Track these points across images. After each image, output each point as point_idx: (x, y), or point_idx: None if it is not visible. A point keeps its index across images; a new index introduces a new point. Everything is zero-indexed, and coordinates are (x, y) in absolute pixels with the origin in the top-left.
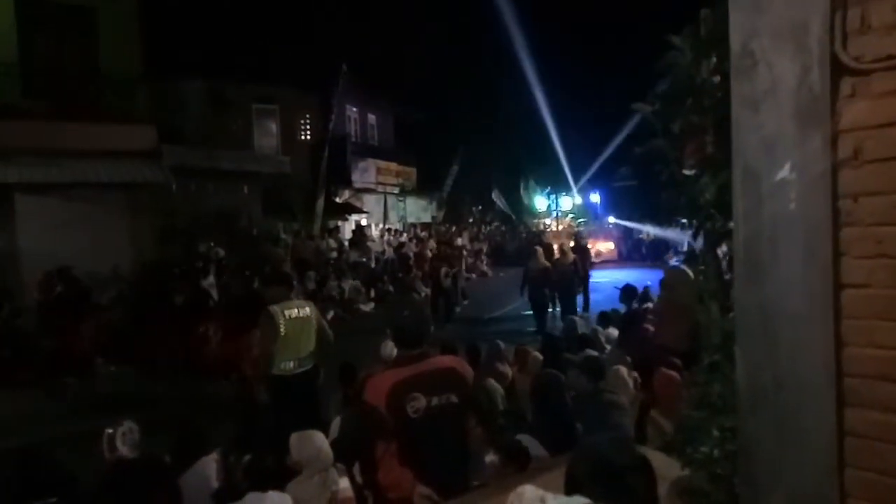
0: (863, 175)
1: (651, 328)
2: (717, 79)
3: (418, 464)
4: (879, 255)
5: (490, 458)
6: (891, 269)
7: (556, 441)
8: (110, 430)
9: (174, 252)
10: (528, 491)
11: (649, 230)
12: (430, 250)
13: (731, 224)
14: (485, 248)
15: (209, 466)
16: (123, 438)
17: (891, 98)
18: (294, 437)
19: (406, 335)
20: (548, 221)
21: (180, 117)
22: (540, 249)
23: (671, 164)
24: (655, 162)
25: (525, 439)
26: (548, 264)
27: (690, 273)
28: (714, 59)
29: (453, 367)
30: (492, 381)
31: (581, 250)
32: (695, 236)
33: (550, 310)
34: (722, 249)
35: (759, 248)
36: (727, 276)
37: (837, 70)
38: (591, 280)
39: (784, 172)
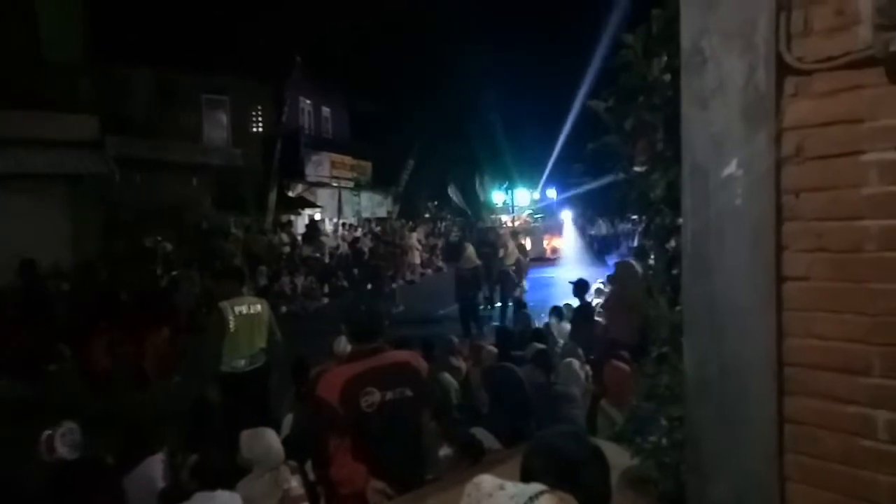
0: (804, 172)
1: (602, 321)
2: (667, 77)
3: (372, 458)
4: (819, 249)
5: (444, 451)
6: (829, 262)
7: (510, 433)
8: (49, 431)
9: (119, 247)
10: (486, 480)
11: (601, 227)
12: (369, 249)
13: (680, 220)
14: (440, 244)
15: (155, 466)
16: (63, 439)
17: (831, 98)
18: (244, 435)
19: (360, 329)
20: (503, 217)
21: (126, 107)
22: (470, 247)
23: (623, 160)
24: (607, 159)
25: (479, 432)
26: (478, 263)
27: (639, 268)
28: (665, 58)
29: (408, 361)
30: (446, 375)
31: (519, 249)
32: (645, 232)
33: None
34: (670, 245)
35: (707, 243)
36: (675, 271)
37: (782, 69)
38: (525, 280)
39: (731, 169)
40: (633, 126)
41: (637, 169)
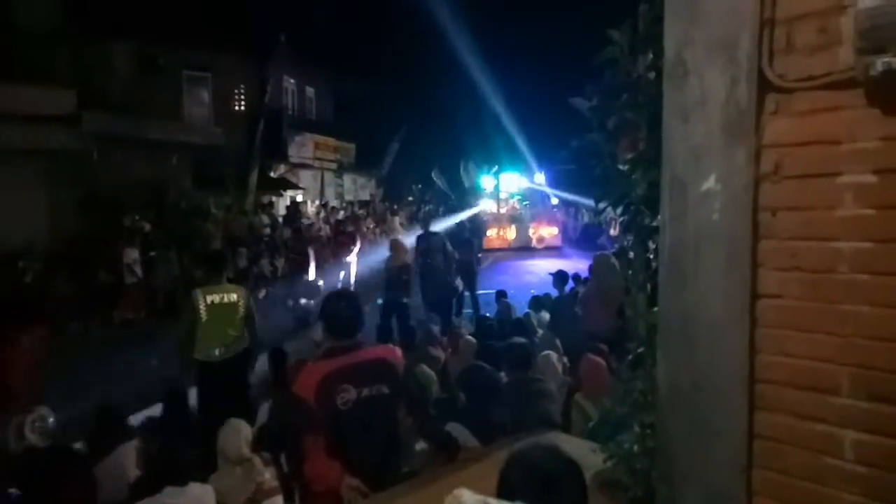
0: (782, 190)
1: (580, 313)
2: (652, 75)
3: (347, 455)
4: (793, 268)
5: (420, 445)
6: (803, 281)
7: (486, 429)
8: (19, 417)
9: (96, 225)
10: (466, 495)
11: (584, 215)
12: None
13: (656, 222)
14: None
15: (128, 454)
16: (33, 426)
17: (810, 117)
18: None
19: (338, 325)
20: (488, 203)
21: (104, 81)
22: (399, 242)
23: (605, 158)
24: (591, 156)
25: (455, 428)
26: (408, 261)
27: (615, 260)
28: (650, 56)
29: (385, 357)
30: (425, 369)
31: (464, 244)
32: (625, 231)
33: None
34: (650, 244)
35: (684, 255)
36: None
37: (763, 86)
38: (476, 278)
39: (709, 183)
40: (616, 124)
41: (620, 167)
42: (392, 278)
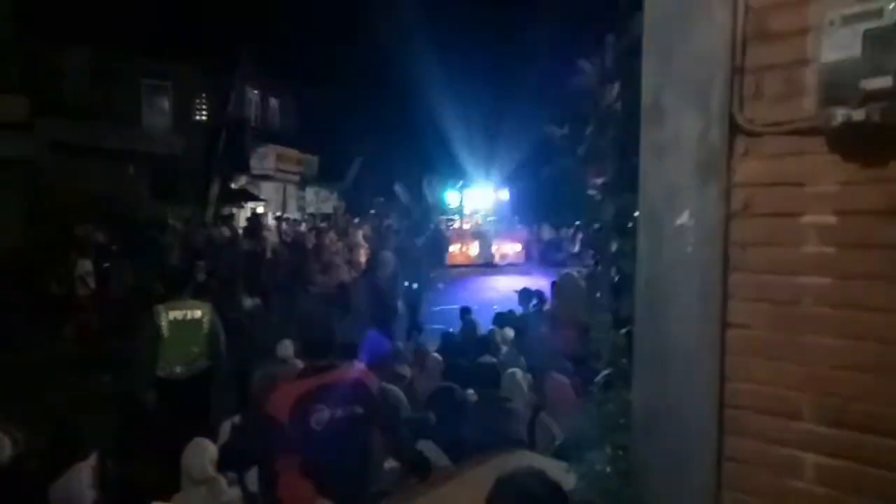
0: (751, 227)
1: (544, 330)
2: (619, 105)
3: (319, 476)
4: (761, 300)
5: (390, 464)
6: (770, 312)
7: (456, 448)
8: None
9: (47, 234)
10: None
11: (545, 231)
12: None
13: (625, 247)
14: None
15: (84, 473)
16: None
17: (777, 160)
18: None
19: (313, 345)
20: (448, 219)
21: (59, 88)
22: (338, 261)
23: (575, 184)
24: (562, 182)
25: (427, 447)
26: (346, 279)
27: (581, 280)
28: (617, 87)
29: (359, 378)
30: (396, 391)
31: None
32: (595, 258)
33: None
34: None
35: (659, 286)
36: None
37: (734, 129)
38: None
39: (684, 218)
40: (586, 152)
41: (590, 192)
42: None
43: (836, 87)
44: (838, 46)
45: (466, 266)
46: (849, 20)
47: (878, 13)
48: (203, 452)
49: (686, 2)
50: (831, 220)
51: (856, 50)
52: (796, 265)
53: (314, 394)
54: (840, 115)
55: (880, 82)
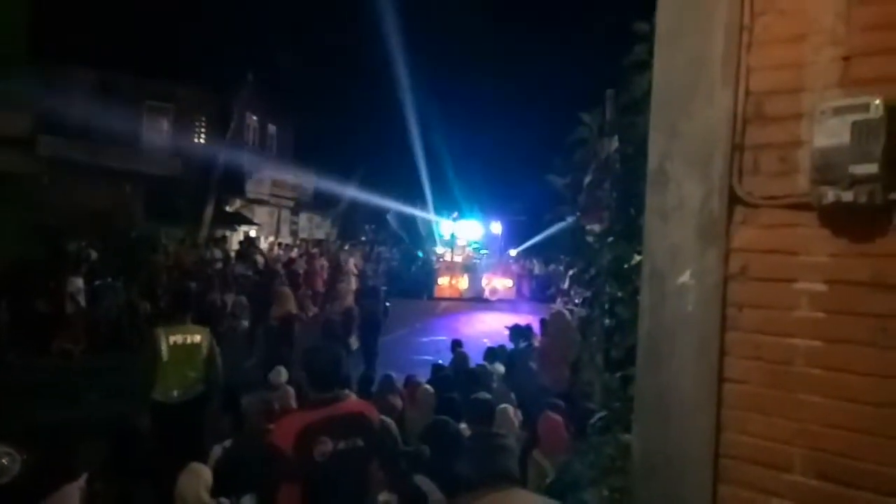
0: (747, 289)
1: (534, 367)
2: (617, 157)
3: None
4: (756, 358)
5: (384, 497)
6: (764, 370)
7: (450, 483)
8: None
9: (40, 250)
10: None
11: (535, 266)
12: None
13: (620, 293)
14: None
15: (73, 494)
16: None
17: (772, 230)
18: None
19: (319, 378)
20: (439, 250)
21: (62, 107)
22: (286, 291)
23: (576, 232)
24: (564, 233)
25: (422, 481)
26: (293, 311)
27: (569, 317)
28: (616, 141)
29: (362, 411)
30: (393, 425)
31: (369, 292)
32: (591, 304)
33: None
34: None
35: (660, 339)
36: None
37: (733, 199)
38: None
39: (684, 278)
40: (586, 201)
41: (589, 239)
42: (273, 333)
43: (828, 170)
44: (829, 133)
45: (455, 300)
46: (839, 111)
47: (865, 107)
48: (198, 478)
49: (691, 81)
50: (822, 287)
51: (845, 138)
52: (789, 327)
53: (319, 426)
54: (831, 194)
55: (867, 168)
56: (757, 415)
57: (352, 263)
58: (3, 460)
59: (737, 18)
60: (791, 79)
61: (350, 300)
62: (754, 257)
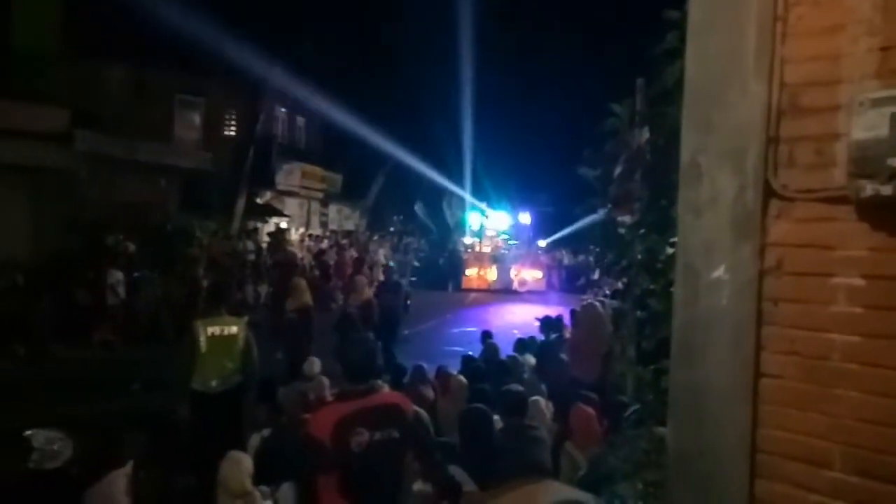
0: (782, 284)
1: (565, 358)
2: (648, 148)
3: (356, 496)
4: (792, 353)
5: (418, 486)
6: (800, 365)
7: (484, 473)
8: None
9: (79, 243)
10: None
11: (565, 257)
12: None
13: (653, 285)
14: (412, 261)
15: (118, 481)
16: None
17: (808, 224)
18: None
19: (354, 369)
20: (468, 241)
21: (97, 102)
22: (302, 283)
23: (607, 224)
24: (595, 224)
25: (456, 472)
26: (309, 303)
27: (601, 309)
28: (647, 132)
29: (397, 403)
30: (425, 415)
31: (391, 288)
32: (623, 296)
33: None
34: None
35: (694, 334)
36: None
37: (768, 193)
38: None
39: (719, 273)
40: (616, 192)
41: (621, 231)
42: (290, 325)
43: (865, 163)
44: (867, 126)
45: (483, 291)
46: (877, 103)
47: None
48: (240, 466)
49: (724, 73)
50: (859, 282)
51: (883, 130)
52: (826, 322)
53: (355, 417)
54: (869, 187)
55: None
56: (794, 410)
57: (381, 254)
58: (55, 445)
59: (770, 9)
60: (827, 70)
61: (368, 293)
62: (790, 251)
